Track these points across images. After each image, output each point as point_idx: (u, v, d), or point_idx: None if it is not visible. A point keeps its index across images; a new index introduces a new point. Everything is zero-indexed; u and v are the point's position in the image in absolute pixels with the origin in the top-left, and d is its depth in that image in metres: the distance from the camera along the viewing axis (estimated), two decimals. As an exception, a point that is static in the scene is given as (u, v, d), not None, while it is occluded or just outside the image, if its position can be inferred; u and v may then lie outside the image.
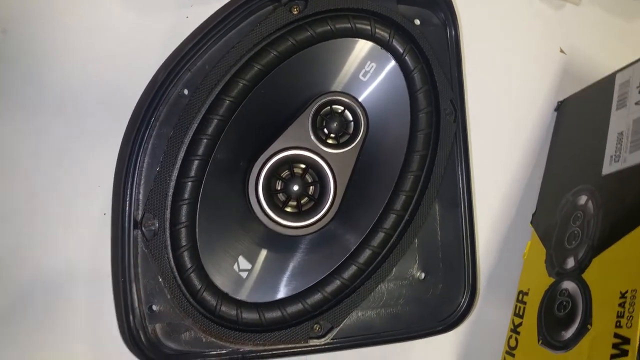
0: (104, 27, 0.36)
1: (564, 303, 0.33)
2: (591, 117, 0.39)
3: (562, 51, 0.44)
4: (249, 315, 0.32)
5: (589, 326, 0.31)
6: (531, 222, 0.40)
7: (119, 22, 0.36)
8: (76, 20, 0.36)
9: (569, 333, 0.32)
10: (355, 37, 0.34)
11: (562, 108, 0.43)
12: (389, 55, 0.35)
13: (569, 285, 0.34)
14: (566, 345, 0.32)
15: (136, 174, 0.32)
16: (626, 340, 0.28)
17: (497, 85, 0.42)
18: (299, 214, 0.34)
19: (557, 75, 0.44)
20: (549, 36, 0.44)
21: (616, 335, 0.28)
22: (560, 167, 0.40)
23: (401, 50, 0.35)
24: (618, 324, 0.29)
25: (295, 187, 0.34)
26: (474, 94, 0.39)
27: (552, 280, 0.35)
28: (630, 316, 0.28)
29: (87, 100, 0.35)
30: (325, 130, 0.35)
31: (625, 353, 0.28)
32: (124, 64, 0.36)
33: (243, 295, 0.33)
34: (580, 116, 0.41)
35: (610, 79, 0.37)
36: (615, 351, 0.28)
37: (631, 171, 0.32)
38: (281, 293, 0.33)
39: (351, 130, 0.35)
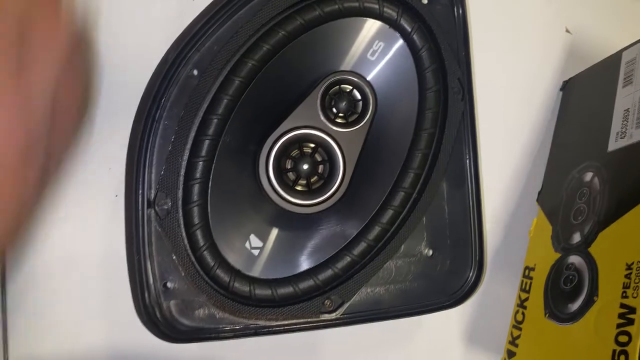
0: (111, 7, 0.36)
1: (570, 277, 0.34)
2: (597, 95, 0.39)
3: (567, 31, 0.44)
4: (261, 291, 0.32)
5: (595, 298, 0.31)
6: (537, 200, 0.41)
7: (126, 2, 0.36)
8: (84, 2, 0.36)
9: (575, 305, 0.33)
10: (363, 16, 0.35)
11: (567, 87, 0.43)
12: (397, 34, 0.35)
13: (575, 259, 0.34)
14: (573, 317, 0.32)
15: (148, 155, 0.33)
16: (632, 310, 0.28)
17: (503, 65, 0.42)
18: (309, 192, 0.34)
19: (563, 55, 0.44)
20: (554, 16, 0.44)
21: (622, 306, 0.29)
22: (566, 145, 0.41)
23: (409, 29, 0.35)
24: (624, 294, 0.29)
25: (305, 166, 0.34)
26: (480, 74, 0.40)
27: (558, 255, 0.36)
28: (637, 286, 0.29)
29: (96, 82, 0.36)
30: (334, 110, 0.35)
31: (631, 322, 0.28)
32: (131, 46, 0.36)
33: (255, 272, 0.33)
34: (585, 95, 0.41)
35: (616, 57, 0.38)
36: (621, 320, 0.29)
37: (637, 147, 0.33)
38: (293, 269, 0.34)
39: (360, 109, 0.35)
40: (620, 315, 0.29)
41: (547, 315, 0.35)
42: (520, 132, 0.42)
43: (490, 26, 0.42)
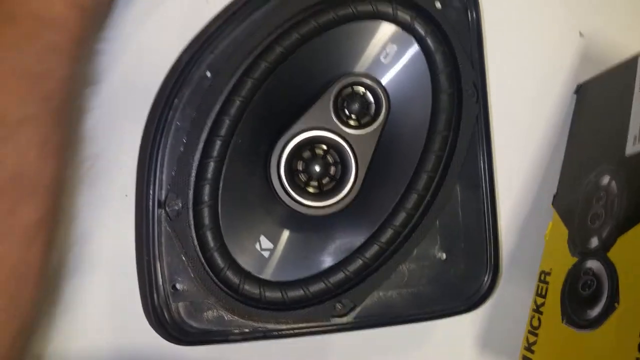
0: (126, 5, 0.36)
1: (589, 282, 0.33)
2: (613, 99, 0.38)
3: (581, 35, 0.44)
4: (271, 294, 0.32)
5: (616, 304, 0.30)
6: (552, 203, 0.40)
7: (140, 2, 0.37)
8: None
9: (595, 312, 0.32)
10: (376, 19, 0.34)
11: (582, 91, 0.42)
12: (411, 38, 0.35)
13: (593, 264, 0.33)
14: (592, 324, 0.32)
15: (160, 155, 0.32)
16: (655, 316, 0.28)
17: (517, 68, 0.42)
18: (321, 194, 0.34)
19: (577, 58, 0.43)
20: (568, 19, 0.43)
21: (645, 312, 0.28)
22: (581, 149, 0.40)
23: (423, 33, 0.35)
24: (646, 300, 0.28)
25: (317, 168, 0.34)
26: (494, 77, 0.39)
27: (575, 259, 0.35)
28: (659, 291, 0.28)
29: (109, 79, 0.36)
30: (347, 112, 0.35)
31: (654, 328, 0.27)
32: (145, 45, 0.36)
33: (266, 274, 0.33)
34: (601, 98, 0.40)
35: (632, 61, 0.37)
36: (643, 327, 0.28)
37: (656, 149, 0.32)
38: (304, 272, 0.33)
39: (372, 111, 0.35)
40: (642, 322, 0.28)
41: (564, 321, 0.34)
42: (534, 134, 0.42)
43: (503, 29, 0.41)
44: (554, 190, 0.41)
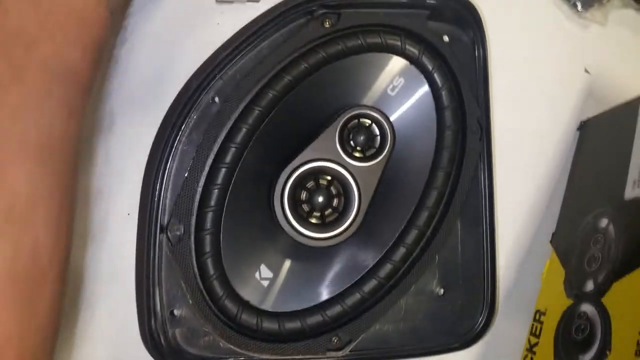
0: (136, 29, 0.36)
1: (582, 326, 0.33)
2: (614, 139, 0.39)
3: (586, 71, 0.44)
4: (268, 325, 0.32)
5: (607, 352, 0.31)
6: (551, 242, 0.40)
7: (151, 25, 0.37)
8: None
9: (586, 357, 0.32)
10: (385, 52, 0.35)
11: (585, 128, 0.43)
12: (418, 72, 0.35)
13: (587, 308, 0.34)
14: (584, 370, 0.32)
15: (164, 179, 0.33)
16: (647, 369, 0.28)
17: (522, 104, 0.42)
18: (323, 225, 0.34)
19: (582, 95, 0.44)
20: (574, 56, 0.44)
21: (637, 363, 0.29)
22: (581, 188, 0.40)
23: (430, 67, 0.35)
24: (638, 352, 0.29)
25: (320, 199, 0.34)
26: (498, 113, 0.39)
27: (570, 301, 0.35)
28: (652, 345, 0.28)
29: (119, 99, 0.36)
30: (352, 143, 0.35)
31: (646, 381, 0.28)
32: (155, 70, 0.36)
33: (264, 304, 0.33)
34: (603, 137, 0.41)
35: (635, 102, 0.37)
36: (635, 379, 0.28)
37: (656, 198, 0.32)
38: (301, 303, 0.33)
39: (377, 144, 0.35)
40: (634, 373, 0.28)
41: (557, 364, 0.34)
42: (536, 171, 0.42)
43: (509, 66, 0.42)
44: (554, 228, 0.41)
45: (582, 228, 0.38)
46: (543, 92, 0.43)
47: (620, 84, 0.44)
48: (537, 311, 0.38)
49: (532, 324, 0.38)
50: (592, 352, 0.32)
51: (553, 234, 0.41)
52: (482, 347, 0.39)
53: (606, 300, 0.32)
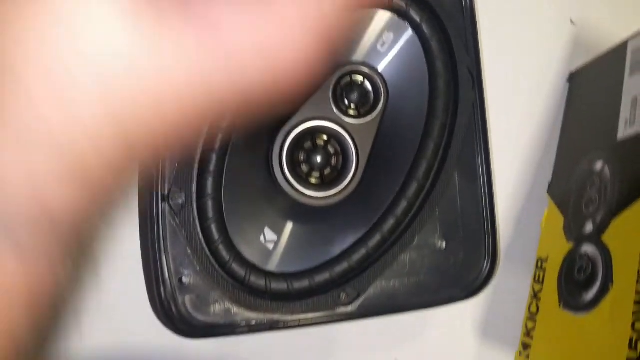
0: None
1: (584, 266, 0.34)
2: (604, 84, 0.39)
3: (572, 22, 0.44)
4: (277, 285, 0.32)
5: (610, 285, 0.31)
6: (547, 191, 0.41)
7: None
8: None
9: (590, 294, 0.33)
10: (371, 7, 0.35)
11: (574, 78, 0.43)
12: (407, 25, 0.35)
13: (588, 248, 0.34)
14: (588, 307, 0.33)
15: (161, 149, 0.32)
16: (649, 296, 0.29)
17: (510, 56, 0.42)
18: (323, 185, 0.34)
19: (569, 46, 0.44)
20: (559, 7, 0.44)
21: (638, 292, 0.29)
22: (574, 136, 0.41)
23: (418, 19, 0.35)
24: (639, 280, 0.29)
25: (318, 158, 0.34)
26: (488, 65, 0.40)
27: (570, 245, 0.36)
28: (654, 273, 0.29)
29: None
30: (346, 101, 0.35)
31: (649, 308, 0.28)
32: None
33: (270, 266, 0.33)
34: (592, 85, 0.41)
35: (622, 47, 0.38)
36: (637, 307, 0.29)
37: (648, 134, 0.33)
38: (308, 263, 0.33)
39: (371, 100, 0.35)
40: (637, 302, 0.29)
41: (561, 306, 0.35)
42: (528, 123, 0.42)
43: (495, 19, 0.42)
44: (549, 178, 0.41)
45: (577, 174, 0.38)
46: (531, 43, 0.43)
47: (606, 33, 0.44)
48: (539, 259, 0.39)
49: (535, 272, 0.39)
50: (595, 288, 0.33)
51: (549, 184, 0.41)
52: (488, 297, 0.39)
53: (606, 237, 0.33)
